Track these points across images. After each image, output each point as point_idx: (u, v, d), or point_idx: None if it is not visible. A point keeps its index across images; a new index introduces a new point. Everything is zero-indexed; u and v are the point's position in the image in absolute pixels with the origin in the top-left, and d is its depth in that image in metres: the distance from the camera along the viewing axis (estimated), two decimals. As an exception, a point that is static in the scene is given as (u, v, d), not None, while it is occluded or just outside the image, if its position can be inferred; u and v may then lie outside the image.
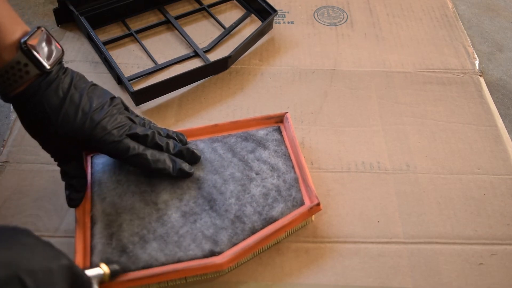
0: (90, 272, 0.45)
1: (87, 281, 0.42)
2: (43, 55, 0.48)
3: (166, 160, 0.53)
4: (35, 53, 0.47)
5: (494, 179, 0.61)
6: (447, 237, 0.55)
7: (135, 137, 0.52)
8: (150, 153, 0.52)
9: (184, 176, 0.55)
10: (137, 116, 0.55)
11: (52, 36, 0.50)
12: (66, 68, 0.51)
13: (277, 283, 0.51)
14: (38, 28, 0.49)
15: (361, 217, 0.57)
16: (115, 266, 0.48)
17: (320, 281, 0.52)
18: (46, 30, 0.49)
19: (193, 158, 0.56)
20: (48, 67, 0.48)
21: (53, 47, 0.50)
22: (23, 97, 0.48)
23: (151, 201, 0.54)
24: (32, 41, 0.47)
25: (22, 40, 0.46)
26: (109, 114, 0.51)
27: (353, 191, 0.59)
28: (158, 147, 0.54)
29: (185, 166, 0.55)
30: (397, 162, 0.63)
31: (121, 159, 0.52)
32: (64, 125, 0.49)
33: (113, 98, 0.53)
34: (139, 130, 0.53)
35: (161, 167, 0.53)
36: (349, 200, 0.58)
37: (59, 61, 0.50)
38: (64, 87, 0.50)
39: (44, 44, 0.48)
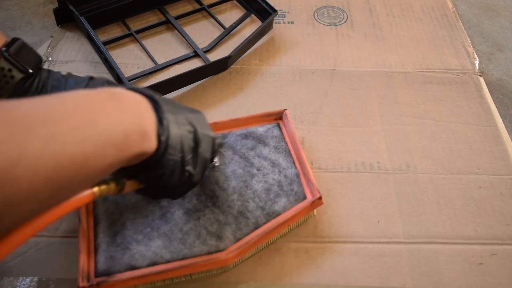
0: None
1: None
2: (24, 61, 0.52)
3: None
4: (16, 59, 0.52)
5: (494, 179, 0.61)
6: (447, 237, 0.56)
7: None
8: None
9: None
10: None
11: (29, 45, 0.54)
12: (42, 68, 0.55)
13: (277, 283, 0.51)
14: (15, 38, 0.53)
15: (361, 217, 0.57)
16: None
17: (320, 281, 0.52)
18: (22, 40, 0.54)
19: None
20: (30, 70, 0.52)
21: (31, 53, 0.54)
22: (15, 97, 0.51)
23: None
24: (12, 49, 0.52)
25: (3, 49, 0.51)
26: (100, 83, 0.56)
27: (353, 191, 0.59)
28: None
29: None
30: (397, 162, 0.63)
31: None
32: None
33: (92, 77, 0.57)
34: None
35: None
36: (349, 200, 0.59)
37: (38, 66, 0.54)
38: (46, 81, 0.54)
39: (22, 51, 0.53)
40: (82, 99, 0.36)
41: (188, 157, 0.45)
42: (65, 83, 0.55)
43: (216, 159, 0.55)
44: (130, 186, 0.44)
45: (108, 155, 0.36)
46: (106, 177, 0.43)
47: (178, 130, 0.43)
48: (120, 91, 0.40)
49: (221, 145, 0.58)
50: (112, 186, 0.43)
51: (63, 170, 0.32)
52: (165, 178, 0.44)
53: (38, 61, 0.54)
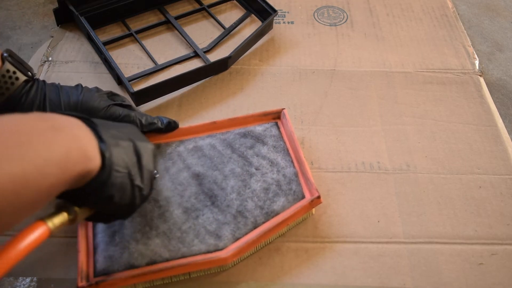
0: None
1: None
2: (24, 65, 0.55)
3: (153, 117, 0.60)
4: (19, 63, 0.54)
5: (494, 179, 0.61)
6: (447, 237, 0.55)
7: (120, 105, 0.58)
8: (138, 113, 0.59)
9: (172, 128, 0.60)
10: (113, 94, 0.60)
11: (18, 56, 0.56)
12: (37, 78, 0.57)
13: (277, 283, 0.51)
14: (8, 50, 0.55)
15: (361, 217, 0.57)
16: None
17: (320, 281, 0.52)
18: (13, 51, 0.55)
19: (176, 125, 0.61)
20: (30, 73, 0.55)
21: (24, 61, 0.55)
22: (16, 98, 0.53)
23: (152, 199, 0.54)
24: (13, 54, 0.54)
25: (5, 54, 0.53)
26: (88, 91, 0.57)
27: (353, 191, 0.59)
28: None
29: (171, 120, 0.60)
30: (397, 162, 0.63)
31: None
32: (66, 104, 0.55)
33: (81, 85, 0.58)
34: (121, 99, 0.59)
35: (150, 121, 0.59)
36: (349, 200, 0.59)
37: (33, 73, 0.56)
38: (44, 88, 0.55)
39: (18, 58, 0.55)
40: (10, 122, 0.35)
41: (134, 171, 0.44)
42: (61, 89, 0.56)
43: (155, 171, 0.52)
44: (82, 214, 0.43)
45: (49, 174, 0.35)
46: (56, 209, 0.42)
47: (119, 146, 0.43)
48: (51, 114, 0.39)
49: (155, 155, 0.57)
50: (65, 216, 0.41)
51: (3, 191, 0.31)
52: (117, 196, 0.43)
53: (31, 69, 0.56)
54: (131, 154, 0.44)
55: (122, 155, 0.43)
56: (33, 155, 0.34)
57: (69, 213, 0.42)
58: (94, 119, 0.44)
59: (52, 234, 0.40)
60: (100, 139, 0.41)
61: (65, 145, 0.37)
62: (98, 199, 0.42)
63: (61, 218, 0.41)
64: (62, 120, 0.39)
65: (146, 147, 0.47)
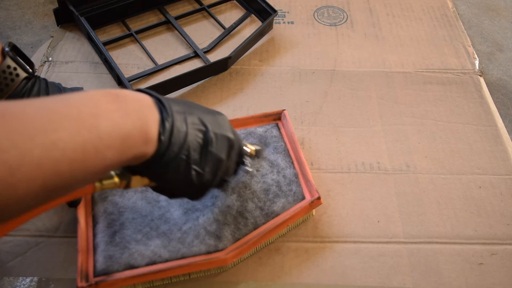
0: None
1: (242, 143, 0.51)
2: (25, 61, 0.55)
3: None
4: (20, 59, 0.54)
5: (494, 179, 0.61)
6: (447, 237, 0.55)
7: None
8: None
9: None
10: None
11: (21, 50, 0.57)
12: (39, 77, 0.58)
13: (277, 283, 0.51)
14: (10, 42, 0.55)
15: (361, 217, 0.57)
16: (258, 147, 0.55)
17: (320, 280, 0.52)
18: (15, 44, 0.56)
19: None
20: (31, 70, 0.55)
21: (26, 57, 0.56)
22: (17, 96, 0.53)
23: (152, 199, 0.54)
24: (15, 50, 0.54)
25: (7, 49, 0.53)
26: None
27: (353, 191, 0.59)
28: None
29: None
30: (397, 162, 0.63)
31: None
32: None
33: (82, 89, 0.59)
34: None
35: None
36: (349, 200, 0.58)
37: (34, 70, 0.56)
38: (47, 89, 0.56)
39: (21, 54, 0.55)
40: (85, 103, 0.36)
41: (195, 156, 0.44)
42: (64, 92, 0.56)
43: (248, 165, 0.53)
44: (137, 181, 0.44)
45: (107, 157, 0.36)
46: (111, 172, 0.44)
47: (185, 128, 0.43)
48: (124, 93, 0.40)
49: (259, 152, 0.56)
50: (116, 180, 0.43)
51: (61, 174, 0.32)
52: (170, 176, 0.43)
53: (33, 65, 0.56)
54: (199, 139, 0.44)
55: (183, 138, 0.43)
56: (96, 140, 0.35)
57: (121, 178, 0.43)
58: (173, 99, 0.44)
59: (97, 191, 0.43)
60: (162, 121, 0.41)
61: (130, 130, 0.38)
62: (151, 174, 0.43)
63: (111, 181, 0.43)
64: (132, 101, 0.39)
65: (221, 136, 0.46)
